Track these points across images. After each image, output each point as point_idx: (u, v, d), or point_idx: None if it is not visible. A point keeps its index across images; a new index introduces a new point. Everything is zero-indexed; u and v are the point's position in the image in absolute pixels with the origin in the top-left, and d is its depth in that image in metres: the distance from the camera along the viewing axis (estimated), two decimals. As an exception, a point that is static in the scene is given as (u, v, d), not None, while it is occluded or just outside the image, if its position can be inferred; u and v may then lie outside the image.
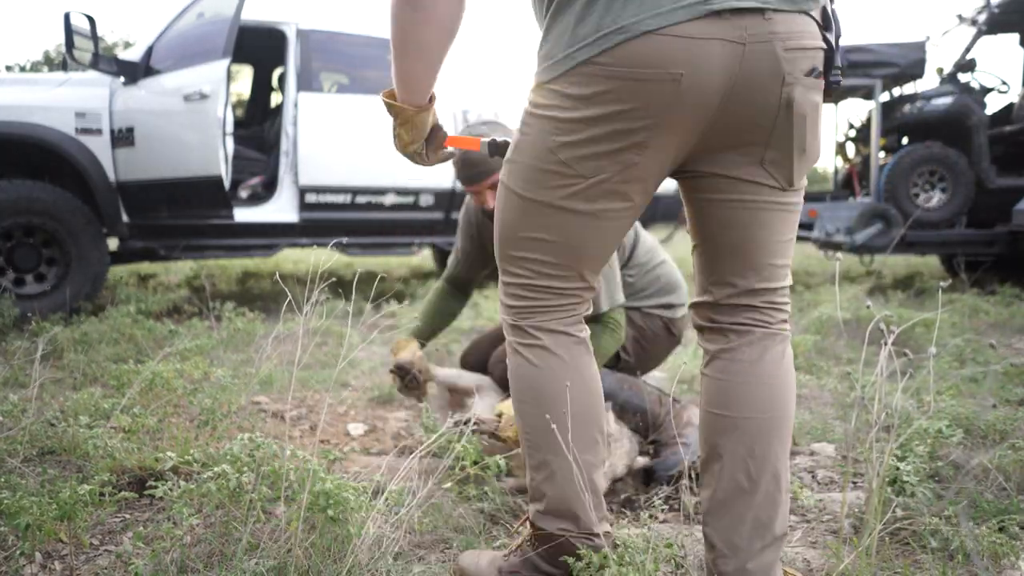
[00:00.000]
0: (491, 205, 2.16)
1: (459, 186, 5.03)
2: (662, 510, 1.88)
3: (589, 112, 1.08)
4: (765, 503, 1.18)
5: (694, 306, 1.31)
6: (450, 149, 1.44)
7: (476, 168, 2.12)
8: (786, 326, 1.25)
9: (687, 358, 3.17)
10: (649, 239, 2.35)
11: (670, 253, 2.60)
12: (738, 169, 1.14)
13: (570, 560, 1.26)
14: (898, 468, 1.64)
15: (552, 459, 1.24)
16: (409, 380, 2.23)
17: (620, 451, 1.98)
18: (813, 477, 2.10)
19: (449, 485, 1.77)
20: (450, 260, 2.51)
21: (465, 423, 1.78)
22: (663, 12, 1.01)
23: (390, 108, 1.35)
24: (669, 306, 2.29)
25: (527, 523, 1.40)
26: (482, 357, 2.39)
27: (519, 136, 1.20)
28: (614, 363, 2.26)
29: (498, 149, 1.48)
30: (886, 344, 1.18)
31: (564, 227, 1.18)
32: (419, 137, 1.39)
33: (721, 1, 1.01)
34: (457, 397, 2.31)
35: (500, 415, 1.96)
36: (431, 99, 1.33)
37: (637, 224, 2.32)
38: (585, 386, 1.26)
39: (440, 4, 1.15)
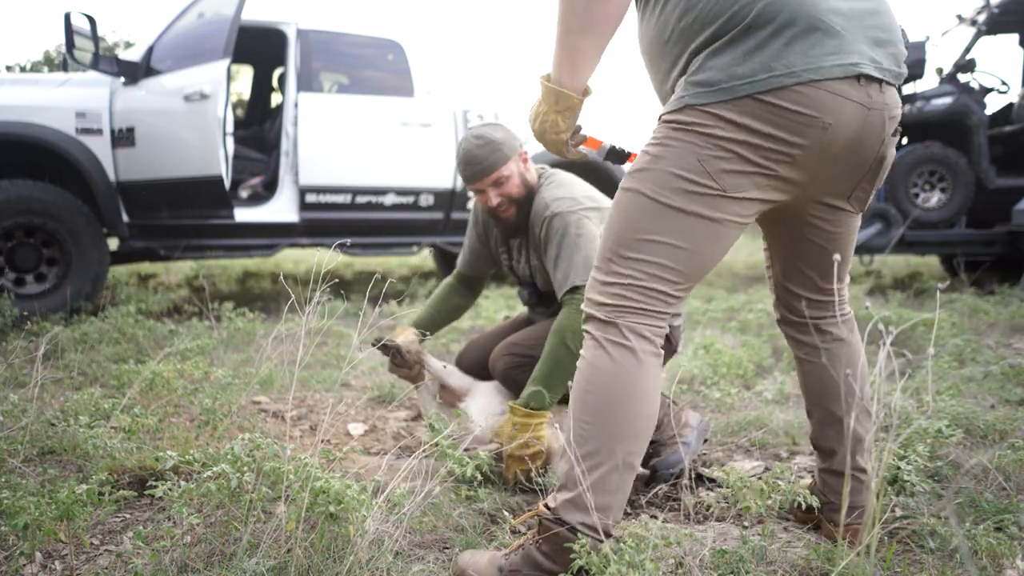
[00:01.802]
0: (493, 203, 2.16)
1: (459, 186, 5.04)
2: (662, 509, 1.89)
3: (742, 136, 1.24)
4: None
5: (786, 316, 1.60)
6: (583, 148, 1.56)
7: (478, 165, 2.12)
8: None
9: (685, 360, 3.17)
10: None
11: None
12: (830, 200, 1.38)
13: (575, 548, 1.27)
14: (898, 468, 1.64)
15: (602, 453, 1.30)
16: (395, 358, 2.23)
17: None
18: (812, 477, 2.10)
19: (448, 484, 1.77)
20: (459, 257, 2.52)
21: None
22: (824, 67, 1.21)
23: (555, 93, 1.41)
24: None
25: (535, 517, 1.42)
26: (479, 358, 2.39)
27: (657, 147, 1.31)
28: None
29: (616, 156, 1.59)
30: (884, 345, 1.18)
31: (692, 232, 1.29)
32: (572, 127, 1.48)
33: (863, 66, 1.23)
34: (448, 395, 2.31)
35: (498, 434, 1.97)
36: (587, 91, 1.43)
37: None
38: (651, 398, 1.34)
39: None
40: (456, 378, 2.31)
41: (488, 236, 2.42)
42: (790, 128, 1.23)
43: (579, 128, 1.52)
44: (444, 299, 2.47)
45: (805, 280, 1.53)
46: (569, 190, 2.18)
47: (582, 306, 1.40)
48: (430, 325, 2.42)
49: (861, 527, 1.45)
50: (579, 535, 1.30)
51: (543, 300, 2.32)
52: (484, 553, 1.47)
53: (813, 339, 1.58)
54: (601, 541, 1.30)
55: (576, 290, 2.02)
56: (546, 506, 1.40)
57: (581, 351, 1.38)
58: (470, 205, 5.15)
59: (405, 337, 2.28)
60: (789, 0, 1.21)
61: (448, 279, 2.52)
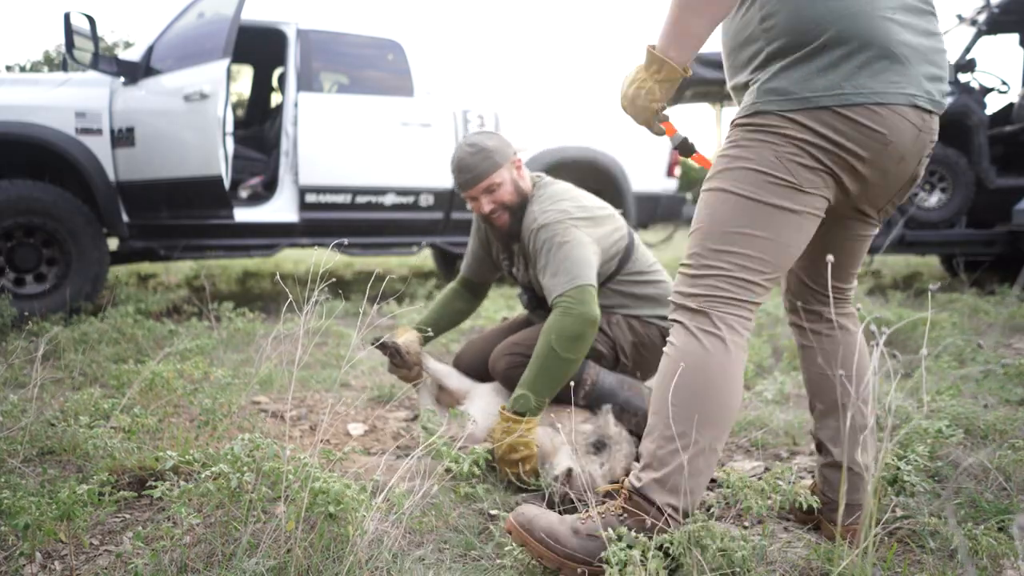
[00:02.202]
0: (486, 209, 2.18)
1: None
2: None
3: (813, 139, 1.34)
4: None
5: (794, 304, 1.68)
6: (660, 127, 1.58)
7: (470, 172, 2.15)
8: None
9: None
10: (648, 252, 2.36)
11: (669, 252, 2.61)
12: (866, 208, 1.50)
13: (622, 533, 1.32)
14: (898, 468, 1.64)
15: (688, 436, 1.37)
16: (394, 357, 2.23)
17: (619, 454, 1.99)
18: (813, 477, 2.10)
19: (446, 483, 1.77)
20: (463, 262, 2.52)
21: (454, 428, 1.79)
22: (889, 93, 1.32)
23: (660, 62, 1.43)
24: (666, 317, 2.32)
25: (621, 489, 1.47)
26: (477, 359, 2.39)
27: (735, 149, 1.40)
28: (612, 367, 2.26)
29: (685, 148, 1.65)
30: (877, 345, 1.19)
31: (774, 222, 1.38)
32: (666, 98, 1.50)
33: (919, 98, 1.35)
34: (447, 397, 2.31)
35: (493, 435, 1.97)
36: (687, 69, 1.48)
37: (633, 232, 2.35)
38: (737, 387, 1.40)
39: None
40: (455, 380, 2.31)
41: (490, 242, 2.43)
42: (857, 140, 1.34)
43: (664, 107, 1.55)
44: (447, 304, 2.48)
45: (820, 276, 1.62)
46: (559, 203, 2.18)
47: (670, 298, 1.46)
48: (432, 328, 2.41)
49: (860, 528, 1.45)
50: (664, 516, 1.36)
51: (542, 304, 2.33)
52: (551, 513, 1.47)
53: (819, 327, 1.66)
54: (679, 523, 1.36)
55: (562, 296, 2.02)
56: (632, 482, 1.43)
57: (669, 339, 1.43)
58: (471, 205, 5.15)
59: (406, 338, 2.28)
60: (865, 25, 1.31)
61: (452, 284, 2.52)
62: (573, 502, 1.78)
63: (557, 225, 2.10)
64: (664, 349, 1.44)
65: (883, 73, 1.31)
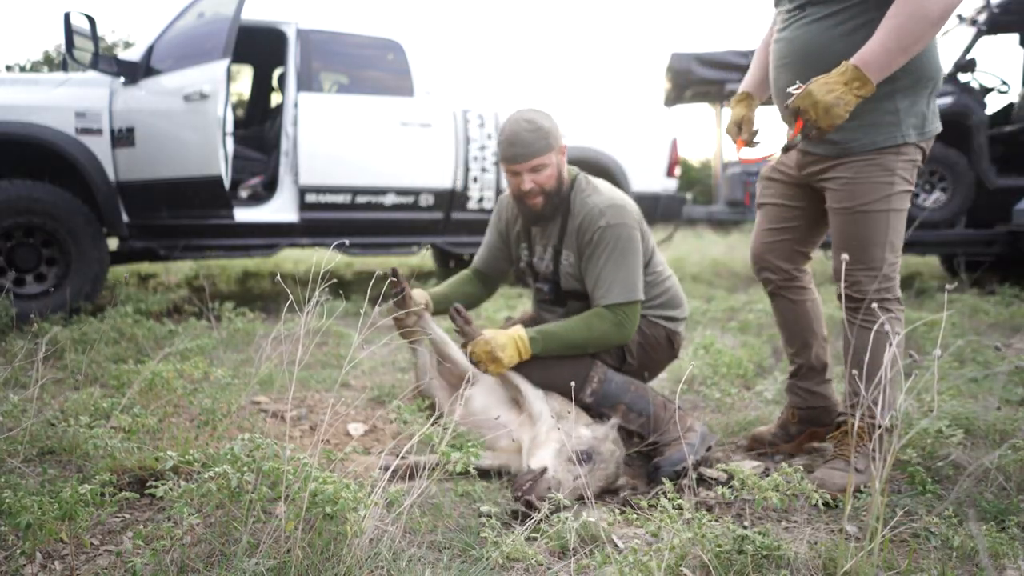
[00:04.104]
0: (526, 187, 2.16)
1: (459, 186, 5.05)
2: (662, 509, 1.88)
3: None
4: None
5: (792, 273, 2.17)
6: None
7: (523, 148, 2.12)
8: None
9: (685, 360, 3.17)
10: (659, 253, 2.37)
11: (669, 252, 2.62)
12: None
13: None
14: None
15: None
16: (396, 290, 2.18)
17: (599, 473, 1.91)
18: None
19: (442, 481, 1.77)
20: (476, 255, 2.54)
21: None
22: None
23: (863, 80, 1.70)
24: (673, 319, 2.32)
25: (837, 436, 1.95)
26: None
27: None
28: (618, 366, 2.26)
29: (790, 147, 1.86)
30: (891, 346, 1.19)
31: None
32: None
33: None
34: (447, 372, 2.27)
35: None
36: None
37: (651, 237, 2.36)
38: None
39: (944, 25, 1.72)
40: (455, 352, 2.25)
41: (509, 232, 2.42)
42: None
43: None
44: (458, 285, 2.48)
45: (809, 252, 2.18)
46: (620, 198, 2.21)
47: (883, 295, 1.88)
48: (441, 300, 2.41)
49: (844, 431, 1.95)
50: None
51: (560, 299, 2.32)
52: (826, 472, 1.88)
53: (808, 284, 2.18)
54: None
55: (619, 307, 2.11)
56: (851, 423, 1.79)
57: (887, 326, 1.71)
58: (470, 205, 5.16)
59: (419, 293, 2.30)
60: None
61: (464, 271, 2.53)
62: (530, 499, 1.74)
63: (623, 229, 2.13)
64: (880, 329, 1.75)
65: None
